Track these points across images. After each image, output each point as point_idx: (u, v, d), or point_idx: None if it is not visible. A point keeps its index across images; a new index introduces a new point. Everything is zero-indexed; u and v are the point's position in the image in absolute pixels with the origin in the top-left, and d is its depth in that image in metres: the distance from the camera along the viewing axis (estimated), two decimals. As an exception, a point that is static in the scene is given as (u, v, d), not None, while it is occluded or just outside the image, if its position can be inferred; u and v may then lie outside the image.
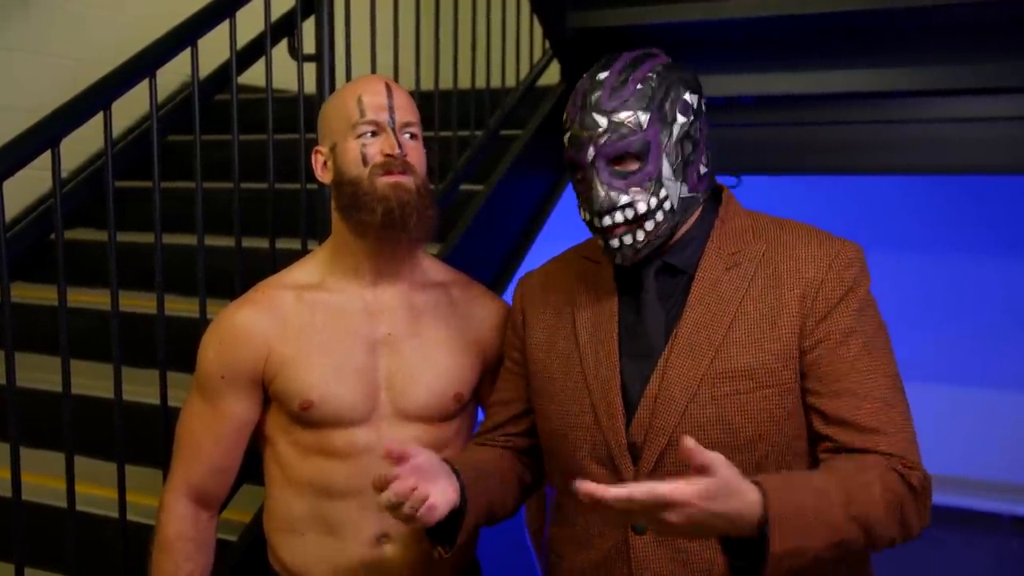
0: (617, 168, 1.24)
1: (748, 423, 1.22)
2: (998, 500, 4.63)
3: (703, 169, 1.29)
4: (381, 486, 1.19)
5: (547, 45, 2.99)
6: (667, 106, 1.25)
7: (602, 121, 1.23)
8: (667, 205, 1.25)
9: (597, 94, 1.24)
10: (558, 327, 1.38)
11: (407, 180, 1.44)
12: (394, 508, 1.19)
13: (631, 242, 1.25)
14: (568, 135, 1.28)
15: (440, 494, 1.21)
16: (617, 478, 1.27)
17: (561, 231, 3.08)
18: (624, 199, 1.23)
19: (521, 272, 2.84)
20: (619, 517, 1.09)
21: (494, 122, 2.69)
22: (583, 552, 1.34)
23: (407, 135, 1.47)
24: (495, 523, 1.44)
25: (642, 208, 1.23)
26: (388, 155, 1.43)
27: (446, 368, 1.51)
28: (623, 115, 1.23)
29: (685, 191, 1.26)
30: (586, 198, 1.27)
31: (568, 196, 3.04)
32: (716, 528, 1.03)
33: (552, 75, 3.05)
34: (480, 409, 1.62)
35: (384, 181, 1.42)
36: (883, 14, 2.69)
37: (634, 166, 1.23)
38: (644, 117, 1.23)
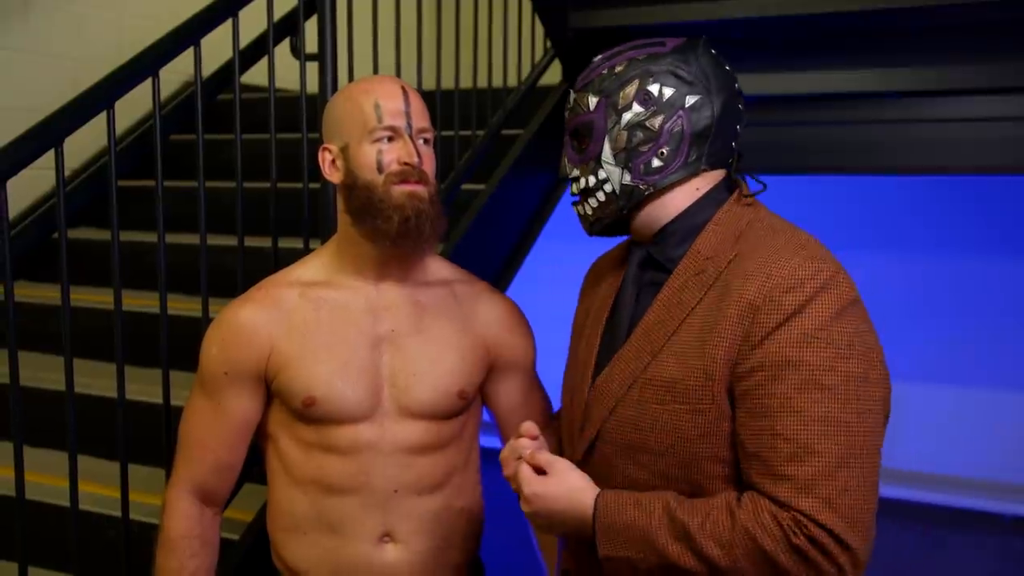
0: (575, 143, 1.33)
1: (658, 434, 1.21)
2: (1000, 500, 4.62)
3: (656, 162, 1.26)
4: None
5: (548, 45, 3.00)
6: (622, 93, 1.28)
7: (570, 99, 1.35)
8: (607, 187, 1.29)
9: (580, 75, 1.35)
10: (585, 309, 1.43)
11: (422, 189, 1.45)
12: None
13: (583, 213, 1.34)
14: None
15: None
16: (572, 455, 1.33)
17: (563, 231, 3.09)
18: (575, 172, 1.33)
19: (522, 272, 2.85)
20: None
21: (496, 122, 2.69)
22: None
23: (421, 140, 1.47)
24: None
25: (582, 183, 1.32)
26: (406, 163, 1.43)
27: (450, 365, 1.51)
28: (580, 95, 1.32)
29: (627, 178, 1.28)
30: None
31: (570, 197, 3.04)
32: (561, 526, 1.23)
33: (554, 75, 3.06)
34: (485, 408, 1.62)
35: (400, 190, 1.43)
36: (884, 14, 2.69)
37: (584, 144, 1.31)
38: (593, 100, 1.30)
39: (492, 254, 2.73)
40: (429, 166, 1.47)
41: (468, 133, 2.61)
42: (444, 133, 2.48)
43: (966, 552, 4.52)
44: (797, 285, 1.14)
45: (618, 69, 1.29)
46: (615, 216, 1.30)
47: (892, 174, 3.81)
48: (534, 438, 1.28)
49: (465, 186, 2.58)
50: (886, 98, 3.13)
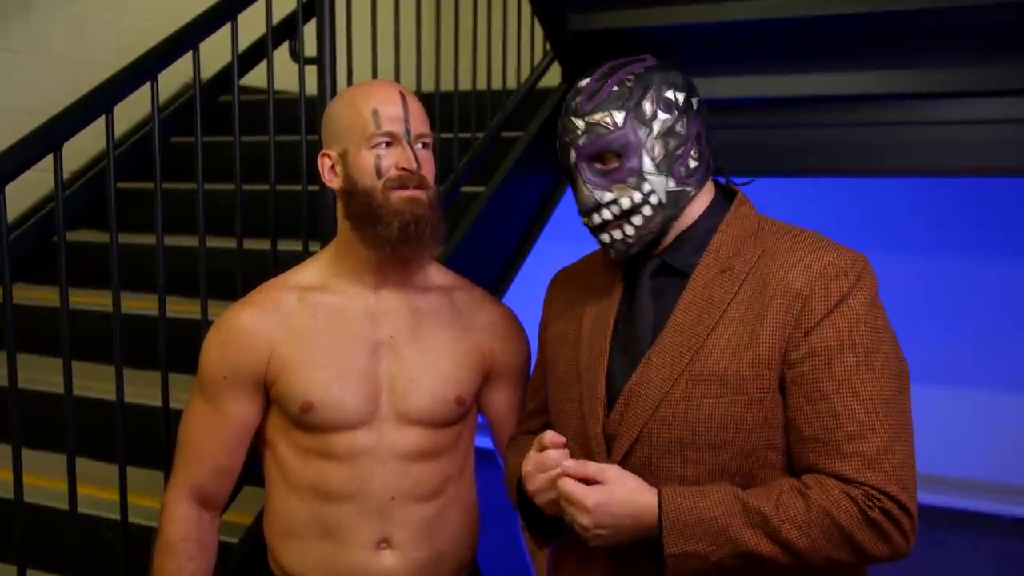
0: (599, 167, 1.29)
1: (714, 427, 1.22)
2: (998, 501, 4.63)
3: (692, 163, 1.30)
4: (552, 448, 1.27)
5: (548, 47, 2.99)
6: (645, 104, 1.28)
7: (579, 124, 1.30)
8: (653, 199, 1.28)
9: (576, 100, 1.31)
10: (570, 319, 1.42)
11: (420, 194, 1.45)
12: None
13: (621, 237, 1.30)
14: (557, 142, 1.35)
15: None
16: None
17: (563, 232, 3.08)
18: (608, 196, 1.28)
19: (523, 273, 2.85)
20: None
21: (495, 124, 2.69)
22: (574, 536, 1.36)
23: (420, 145, 1.47)
24: None
25: (626, 204, 1.28)
26: (404, 169, 1.44)
27: (447, 372, 1.51)
28: (598, 116, 1.28)
29: (672, 185, 1.29)
30: (576, 199, 1.32)
31: (569, 197, 3.05)
32: (626, 534, 1.19)
33: (553, 77, 3.06)
34: (480, 416, 1.62)
35: (399, 195, 1.43)
36: (885, 16, 2.69)
37: (615, 163, 1.28)
38: (619, 116, 1.27)
39: (492, 256, 2.73)
40: (428, 171, 1.47)
41: (468, 135, 2.61)
42: (443, 135, 2.48)
43: (965, 553, 4.52)
44: (842, 273, 1.21)
45: (629, 84, 1.29)
46: (660, 228, 1.29)
47: (893, 176, 3.82)
48: (562, 446, 1.27)
49: (465, 188, 2.58)
50: (887, 100, 3.13)
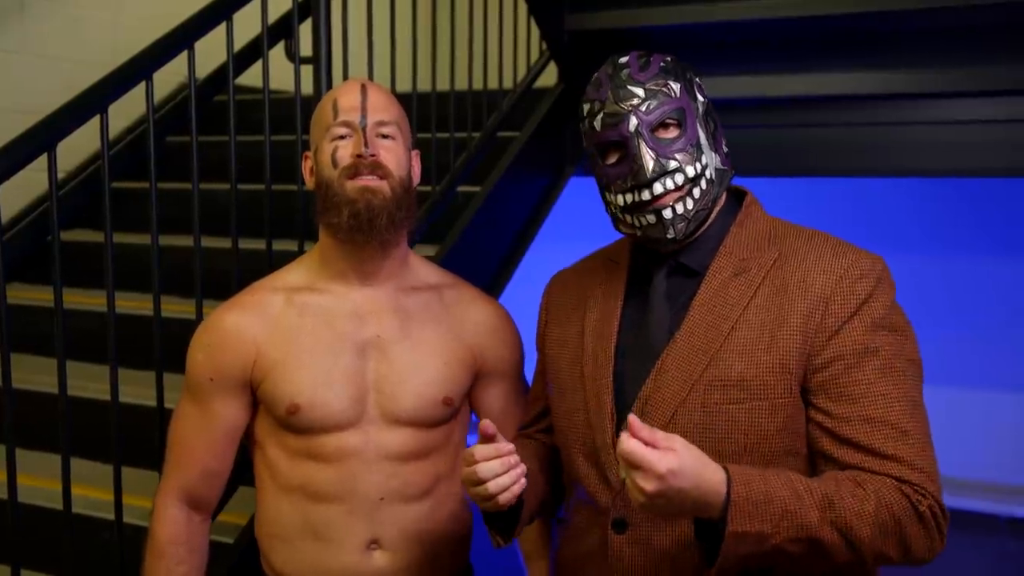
0: (656, 137, 1.25)
1: (735, 434, 1.20)
2: (995, 502, 4.62)
3: (725, 148, 1.31)
4: (478, 458, 1.20)
5: (544, 46, 2.99)
6: (688, 83, 1.29)
7: (639, 91, 1.26)
8: (708, 173, 1.26)
9: (626, 71, 1.28)
10: (571, 325, 1.40)
11: (375, 182, 1.43)
12: (485, 483, 1.19)
13: (682, 211, 1.25)
14: (600, 116, 1.27)
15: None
16: (603, 477, 1.28)
17: (560, 233, 3.09)
18: (673, 164, 1.24)
19: (519, 273, 2.85)
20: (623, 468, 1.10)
21: (492, 124, 2.69)
22: (572, 545, 1.37)
23: (381, 135, 1.46)
24: (543, 515, 1.48)
25: (690, 172, 1.25)
26: (357, 156, 1.43)
27: (436, 372, 1.50)
28: (659, 82, 1.26)
29: (719, 162, 1.29)
30: (631, 171, 1.25)
31: (566, 199, 3.05)
32: (684, 507, 1.08)
33: (549, 77, 3.05)
34: (473, 415, 1.62)
35: (352, 184, 1.43)
36: (881, 16, 2.69)
37: (674, 133, 1.26)
38: (676, 86, 1.26)
39: (488, 256, 2.73)
40: (391, 158, 1.45)
41: (464, 135, 2.61)
42: (440, 135, 2.48)
43: (962, 553, 4.50)
44: (864, 274, 1.21)
45: (671, 64, 1.29)
46: (708, 209, 1.28)
47: (889, 176, 3.82)
48: (491, 438, 1.21)
49: (461, 188, 2.58)
50: (883, 100, 3.13)
